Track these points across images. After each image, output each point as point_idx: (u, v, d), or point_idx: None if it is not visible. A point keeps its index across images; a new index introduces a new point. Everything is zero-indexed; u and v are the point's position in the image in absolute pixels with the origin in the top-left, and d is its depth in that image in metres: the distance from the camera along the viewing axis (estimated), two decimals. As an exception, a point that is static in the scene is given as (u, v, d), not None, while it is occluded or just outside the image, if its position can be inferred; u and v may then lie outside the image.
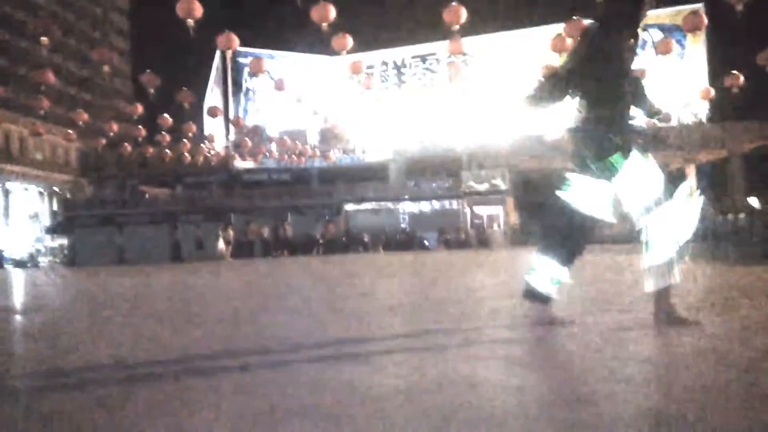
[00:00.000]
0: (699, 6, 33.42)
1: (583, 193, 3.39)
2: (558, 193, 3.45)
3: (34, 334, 3.99)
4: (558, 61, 18.90)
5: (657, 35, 33.92)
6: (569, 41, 15.32)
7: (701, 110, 36.02)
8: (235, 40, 14.50)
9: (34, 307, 6.36)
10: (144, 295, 7.58)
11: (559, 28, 16.77)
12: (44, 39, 13.48)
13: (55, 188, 49.48)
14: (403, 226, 36.75)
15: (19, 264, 35.71)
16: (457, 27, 13.46)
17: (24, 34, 50.55)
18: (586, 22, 14.74)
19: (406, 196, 37.34)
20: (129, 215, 38.67)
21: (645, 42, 34.06)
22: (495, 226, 36.35)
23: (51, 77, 17.79)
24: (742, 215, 19.27)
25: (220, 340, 3.40)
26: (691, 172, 35.86)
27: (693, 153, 34.89)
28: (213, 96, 47.12)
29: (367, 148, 37.66)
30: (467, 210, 36.64)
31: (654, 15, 37.33)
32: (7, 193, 45.35)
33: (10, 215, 45.76)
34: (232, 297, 6.53)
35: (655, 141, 33.12)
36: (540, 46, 34.55)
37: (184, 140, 26.96)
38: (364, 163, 41.08)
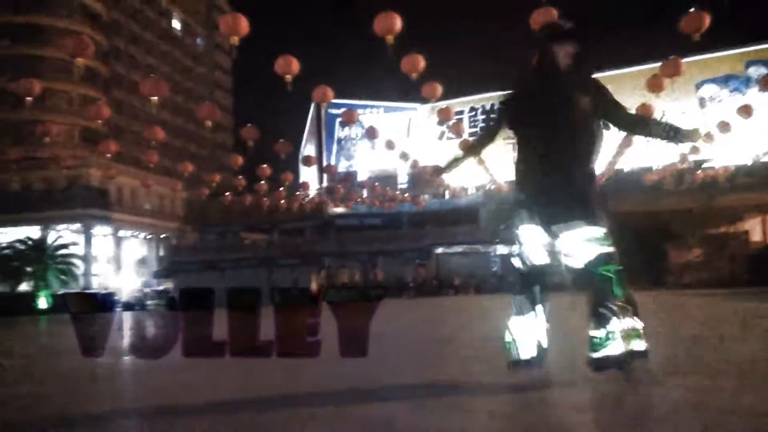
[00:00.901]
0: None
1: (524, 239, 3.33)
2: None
3: (140, 372, 4.26)
4: (653, 101, 18.40)
5: (762, 71, 32.32)
6: (666, 81, 14.85)
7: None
8: (330, 93, 15.07)
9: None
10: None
11: (654, 68, 16.32)
12: (155, 98, 14.47)
13: (162, 235, 52.41)
14: (494, 269, 36.23)
15: (128, 307, 37.82)
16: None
17: (136, 93, 54.76)
18: (684, 60, 14.36)
19: (497, 239, 36.90)
20: (229, 260, 40.37)
21: (748, 79, 32.49)
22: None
23: (160, 133, 19.11)
24: None
25: (307, 381, 3.50)
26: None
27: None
28: (308, 145, 48.97)
29: (456, 191, 37.70)
30: (562, 253, 35.67)
31: (759, 50, 35.69)
32: (118, 240, 48.46)
33: (122, 261, 48.75)
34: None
35: (764, 180, 31.24)
36: (634, 86, 33.80)
37: (281, 188, 28.01)
38: (453, 206, 41.11)
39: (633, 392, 2.92)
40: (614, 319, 3.02)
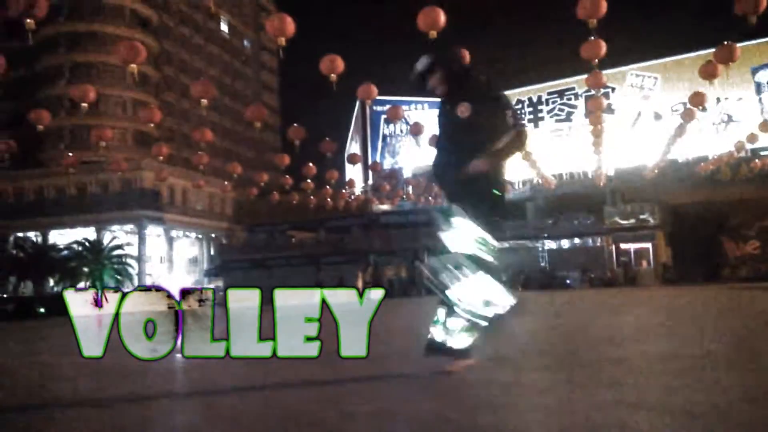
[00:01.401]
0: None
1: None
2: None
3: (176, 372, 4.35)
4: (708, 89, 17.80)
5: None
6: (721, 68, 14.35)
7: None
8: (374, 91, 15.13)
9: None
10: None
11: (708, 54, 15.79)
12: (204, 100, 14.78)
13: (213, 235, 53.50)
14: (542, 264, 35.75)
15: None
16: (596, 61, 13.13)
17: (186, 96, 56.00)
18: (739, 46, 13.84)
19: (545, 234, 36.38)
20: (277, 258, 40.96)
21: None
22: (644, 263, 34.34)
23: (209, 135, 19.53)
24: None
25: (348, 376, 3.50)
26: None
27: None
28: (353, 143, 49.24)
29: (506, 185, 37.33)
30: (612, 247, 34.97)
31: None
32: (171, 240, 49.68)
33: (174, 260, 49.97)
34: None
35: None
36: (688, 74, 32.76)
37: (327, 187, 28.26)
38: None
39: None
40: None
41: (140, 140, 51.81)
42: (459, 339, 3.27)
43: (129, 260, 42.10)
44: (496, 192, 3.44)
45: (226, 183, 31.57)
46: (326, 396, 2.99)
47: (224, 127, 63.90)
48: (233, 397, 3.12)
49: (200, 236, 53.35)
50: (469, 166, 3.30)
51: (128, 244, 44.04)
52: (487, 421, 2.26)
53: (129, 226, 46.50)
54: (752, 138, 24.00)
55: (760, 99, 35.79)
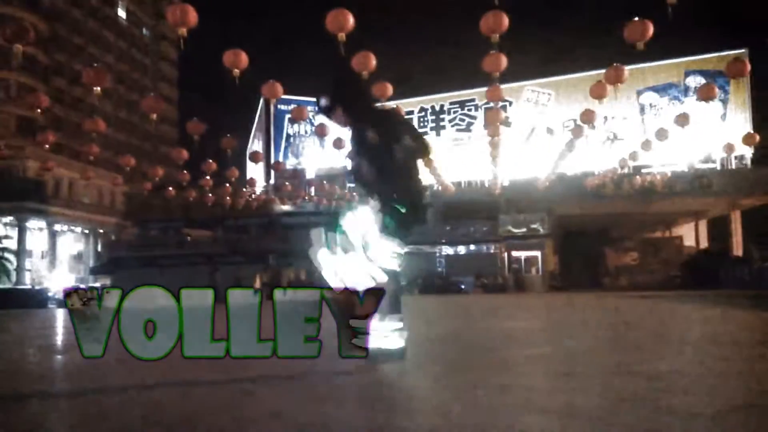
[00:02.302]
0: (743, 52, 33.25)
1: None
2: None
3: (69, 373, 4.09)
4: (597, 107, 18.92)
5: (699, 80, 33.74)
6: (610, 88, 15.31)
7: (746, 155, 35.43)
8: (279, 89, 14.92)
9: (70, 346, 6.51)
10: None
11: (599, 75, 16.80)
12: (97, 89, 14.04)
13: (101, 230, 50.88)
14: (439, 269, 36.59)
15: (62, 304, 36.54)
16: (497, 74, 13.62)
17: (78, 83, 52.98)
18: (627, 68, 14.83)
19: (443, 240, 37.26)
20: (171, 257, 39.47)
21: (686, 88, 33.91)
22: (533, 271, 35.95)
23: (102, 125, 18.52)
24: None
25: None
26: (735, 217, 35.13)
27: (738, 198, 34.18)
28: (255, 141, 48.36)
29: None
30: (505, 254, 36.36)
31: (697, 60, 37.27)
32: (54, 234, 46.79)
33: (57, 256, 47.08)
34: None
35: (699, 186, 32.66)
36: (579, 92, 34.61)
37: (227, 184, 27.59)
38: (401, 206, 41.29)
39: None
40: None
41: (25, 127, 48.38)
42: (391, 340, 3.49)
43: (7, 254, 39.27)
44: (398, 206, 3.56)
45: (117, 176, 30.11)
46: (223, 400, 2.88)
47: (118, 117, 61.00)
48: (117, 398, 2.94)
49: (87, 231, 50.61)
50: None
51: (7, 237, 41.05)
52: (378, 423, 2.26)
53: (8, 218, 43.35)
54: (634, 156, 25.74)
55: (642, 119, 38.42)
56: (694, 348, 4.63)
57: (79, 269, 49.51)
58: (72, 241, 50.26)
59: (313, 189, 36.69)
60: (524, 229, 35.74)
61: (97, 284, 45.08)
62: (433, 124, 43.91)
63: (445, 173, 31.97)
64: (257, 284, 26.53)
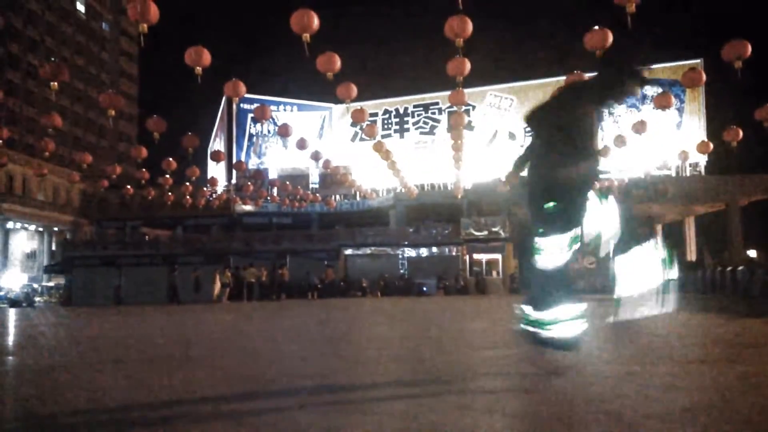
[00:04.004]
0: (698, 62, 34.20)
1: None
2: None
3: (21, 376, 3.98)
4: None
5: (656, 90, 34.58)
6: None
7: (700, 163, 36.42)
8: (242, 88, 14.74)
9: (21, 348, 6.32)
10: (135, 336, 7.54)
11: (560, 81, 17.08)
12: (54, 83, 13.67)
13: (56, 228, 49.56)
14: (402, 271, 36.68)
15: (14, 303, 35.50)
16: (460, 78, 13.72)
17: (34, 77, 51.53)
18: (587, 76, 15.12)
19: (406, 242, 37.37)
20: (128, 256, 38.65)
21: (643, 96, 34.76)
22: (494, 273, 36.31)
23: (58, 120, 18.04)
24: (740, 268, 19.32)
25: (210, 384, 3.39)
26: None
27: (692, 205, 35.11)
28: (217, 140, 47.73)
29: (367, 193, 37.94)
30: (466, 257, 36.65)
31: (655, 69, 38.17)
32: (6, 231, 45.40)
33: (9, 254, 45.70)
34: (225, 340, 6.50)
35: (655, 193, 33.43)
36: (540, 97, 35.10)
37: (187, 183, 27.16)
38: (364, 208, 41.33)
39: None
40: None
41: (-25, 120, 46.87)
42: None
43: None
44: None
45: (73, 173, 29.37)
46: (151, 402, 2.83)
47: (75, 113, 59.56)
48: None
49: (41, 229, 49.21)
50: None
51: (-46, 234, 39.59)
52: (338, 424, 2.25)
53: (-44, 215, 41.90)
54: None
55: (600, 126, 39.19)
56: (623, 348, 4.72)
57: (33, 268, 48.12)
58: (25, 239, 48.83)
59: (275, 189, 36.38)
60: (486, 232, 36.09)
61: (51, 283, 43.93)
62: (397, 127, 44.04)
63: (409, 176, 32.11)
64: (217, 285, 26.14)
